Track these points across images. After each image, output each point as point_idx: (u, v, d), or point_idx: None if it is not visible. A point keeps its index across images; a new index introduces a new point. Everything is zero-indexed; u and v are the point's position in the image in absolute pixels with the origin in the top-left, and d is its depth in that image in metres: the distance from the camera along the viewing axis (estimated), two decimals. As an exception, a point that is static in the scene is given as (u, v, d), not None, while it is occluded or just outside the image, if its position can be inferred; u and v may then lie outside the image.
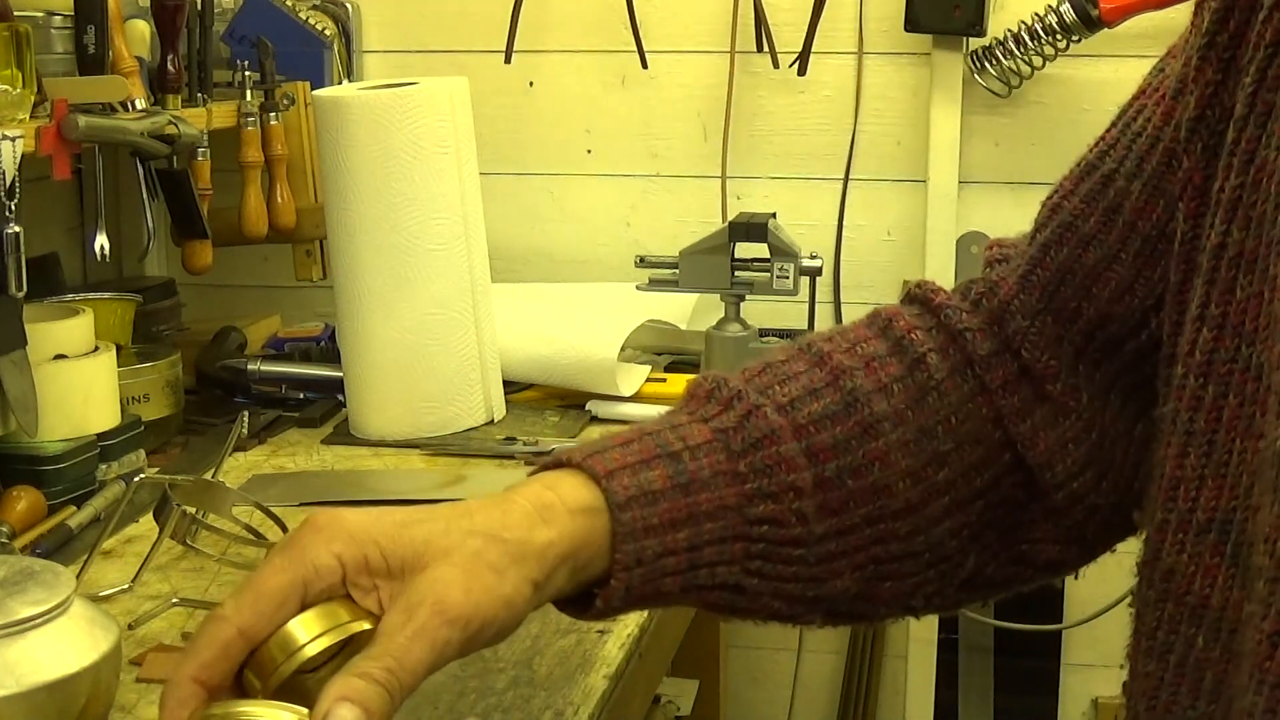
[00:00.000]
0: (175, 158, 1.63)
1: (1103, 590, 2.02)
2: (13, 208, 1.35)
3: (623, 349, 1.74)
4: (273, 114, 1.86)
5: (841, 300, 2.15)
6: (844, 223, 2.14)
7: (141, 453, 1.51)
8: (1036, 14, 1.96)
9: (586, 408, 1.73)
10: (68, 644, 0.84)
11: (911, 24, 1.99)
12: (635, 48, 2.07)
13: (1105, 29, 1.94)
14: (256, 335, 1.97)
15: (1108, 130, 0.77)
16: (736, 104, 2.12)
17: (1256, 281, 0.62)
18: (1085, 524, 0.79)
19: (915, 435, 0.76)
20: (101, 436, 1.45)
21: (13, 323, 1.37)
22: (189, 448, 1.62)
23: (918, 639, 2.14)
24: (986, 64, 2.01)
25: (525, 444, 1.58)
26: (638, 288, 1.88)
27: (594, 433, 1.68)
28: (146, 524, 1.28)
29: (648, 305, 1.89)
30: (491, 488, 1.42)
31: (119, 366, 1.52)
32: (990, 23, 1.98)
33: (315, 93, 1.67)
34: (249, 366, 1.78)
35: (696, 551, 0.72)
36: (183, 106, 1.70)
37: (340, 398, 1.71)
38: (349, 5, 2.14)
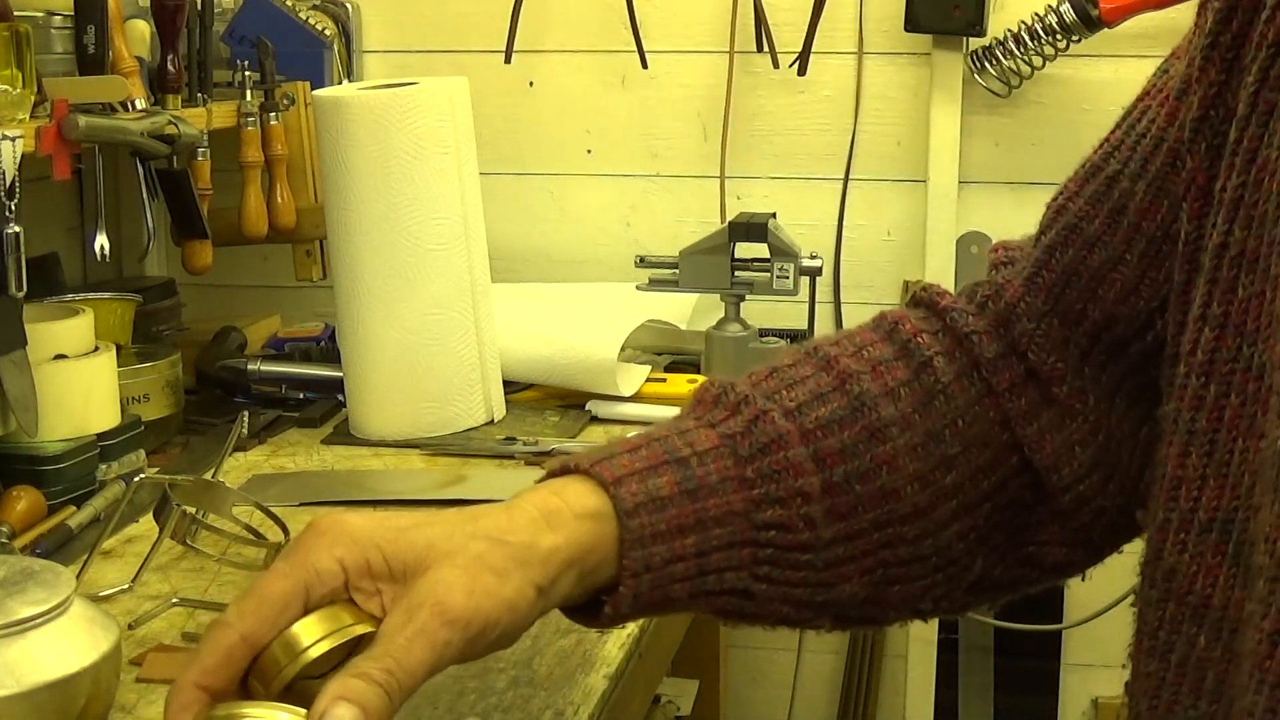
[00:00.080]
0: (175, 158, 1.63)
1: (1103, 590, 2.02)
2: (13, 208, 1.34)
3: (623, 349, 1.74)
4: (273, 114, 1.86)
5: (841, 300, 2.15)
6: (844, 223, 2.14)
7: (141, 453, 1.51)
8: (1036, 14, 1.96)
9: (586, 408, 1.73)
10: (68, 644, 0.84)
11: (911, 24, 1.99)
12: (635, 48, 2.07)
13: (1105, 29, 1.94)
14: (256, 335, 1.97)
15: (1112, 132, 0.77)
16: (736, 104, 2.12)
17: (1258, 281, 0.62)
18: (1092, 526, 0.79)
19: (922, 439, 0.76)
20: (101, 436, 1.45)
21: (13, 323, 1.37)
22: (189, 448, 1.62)
23: (918, 639, 2.14)
24: (986, 64, 2.01)
25: (525, 444, 1.58)
26: (638, 288, 1.88)
27: (594, 432, 1.68)
28: (146, 524, 1.28)
29: (648, 305, 1.89)
30: (492, 488, 1.42)
31: (119, 366, 1.51)
32: (990, 23, 1.98)
33: (315, 93, 1.67)
34: (249, 366, 1.78)
35: (705, 557, 0.72)
36: (183, 106, 1.70)
37: (340, 398, 1.71)
38: (349, 5, 2.14)
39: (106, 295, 1.68)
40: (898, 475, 0.75)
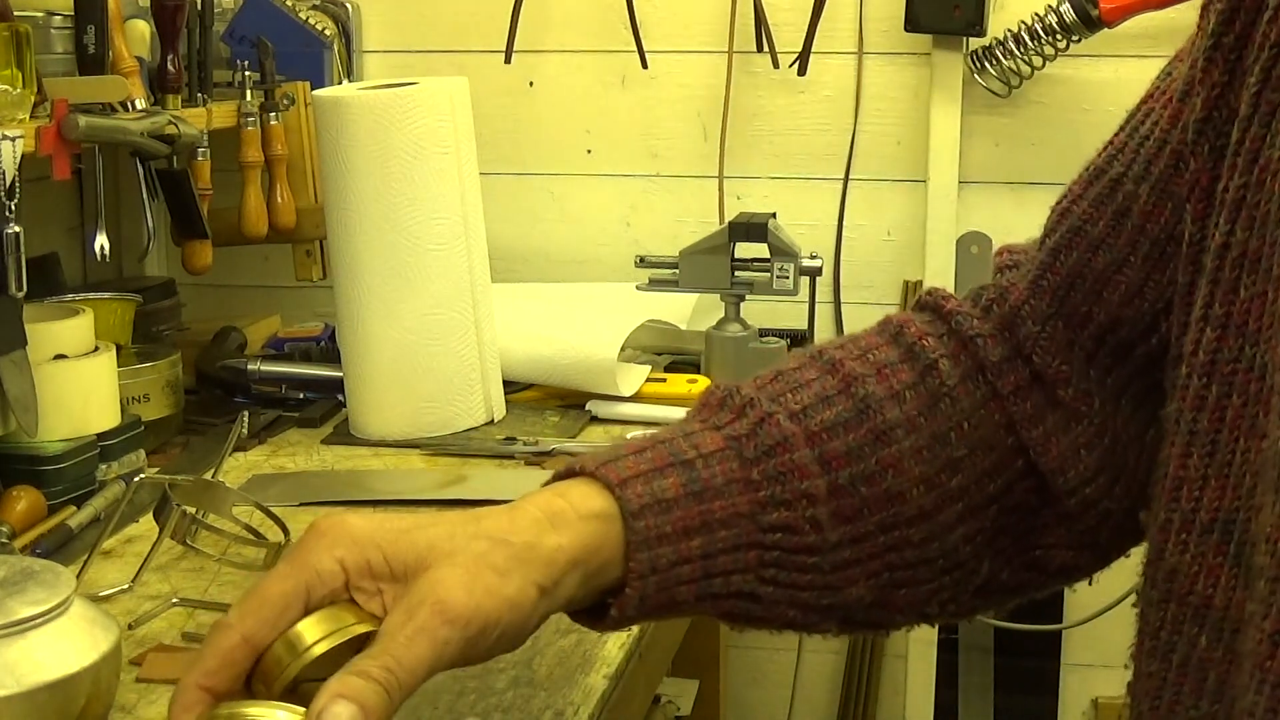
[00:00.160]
0: (175, 158, 1.63)
1: (1103, 590, 2.01)
2: (13, 208, 1.34)
3: (623, 349, 1.74)
4: (273, 114, 1.86)
5: (841, 300, 2.15)
6: (844, 223, 2.14)
7: (141, 453, 1.51)
8: (1036, 14, 1.97)
9: (586, 408, 1.73)
10: (68, 644, 0.84)
11: (911, 24, 1.99)
12: (635, 48, 2.07)
13: (1105, 29, 1.94)
14: (256, 335, 1.97)
15: (1115, 134, 0.77)
16: (736, 104, 2.12)
17: (1260, 281, 0.62)
18: (1098, 529, 0.79)
19: (928, 442, 0.76)
20: (101, 436, 1.45)
21: (13, 323, 1.37)
22: (189, 448, 1.61)
23: (918, 639, 2.14)
24: (986, 64, 2.01)
25: (525, 444, 1.58)
26: (638, 288, 1.88)
27: (594, 432, 1.68)
28: (146, 524, 1.28)
29: (648, 305, 1.88)
30: (492, 488, 1.42)
31: (119, 366, 1.51)
32: (990, 23, 1.98)
33: (315, 93, 1.67)
34: (249, 366, 1.78)
35: (711, 560, 0.71)
36: (183, 106, 1.70)
37: (340, 398, 1.71)
38: (349, 5, 2.14)
39: (106, 295, 1.68)
40: (903, 478, 0.75)
